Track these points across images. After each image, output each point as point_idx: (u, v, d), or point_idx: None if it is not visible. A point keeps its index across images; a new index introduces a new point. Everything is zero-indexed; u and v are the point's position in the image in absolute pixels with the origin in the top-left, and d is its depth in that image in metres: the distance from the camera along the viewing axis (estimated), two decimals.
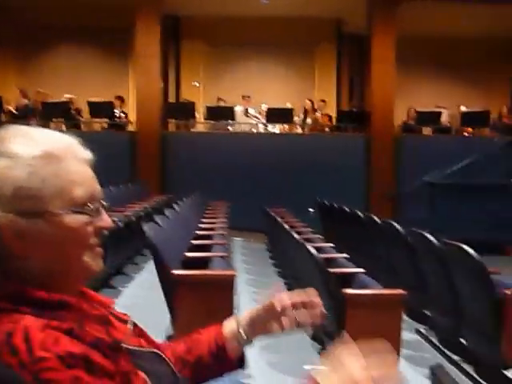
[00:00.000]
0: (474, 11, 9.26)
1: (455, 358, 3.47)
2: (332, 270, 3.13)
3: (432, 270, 3.70)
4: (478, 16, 9.38)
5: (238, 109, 9.38)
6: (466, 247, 3.13)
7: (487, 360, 3.23)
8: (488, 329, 3.05)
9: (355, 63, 10.71)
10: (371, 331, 2.84)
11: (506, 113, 9.88)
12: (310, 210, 7.49)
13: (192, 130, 9.67)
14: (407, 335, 3.91)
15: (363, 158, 8.71)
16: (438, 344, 3.75)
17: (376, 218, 4.93)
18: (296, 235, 3.56)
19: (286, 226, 4.29)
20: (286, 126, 9.45)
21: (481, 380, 3.15)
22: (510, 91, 10.86)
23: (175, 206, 5.33)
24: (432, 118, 9.14)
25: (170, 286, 2.97)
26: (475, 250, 3.15)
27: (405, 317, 4.22)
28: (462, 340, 3.53)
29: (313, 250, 2.87)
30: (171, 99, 10.45)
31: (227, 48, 10.75)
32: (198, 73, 10.85)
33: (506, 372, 3.16)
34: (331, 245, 4.30)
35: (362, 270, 3.42)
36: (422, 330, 4.03)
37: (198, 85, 10.53)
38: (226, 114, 9.10)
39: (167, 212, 4.65)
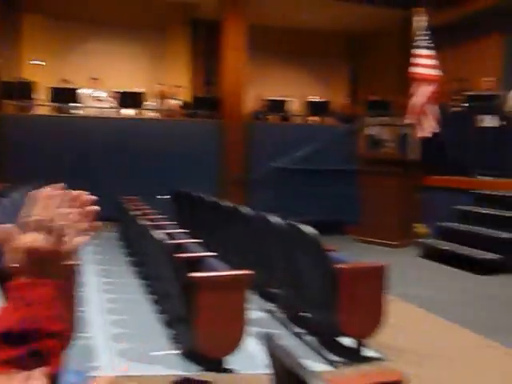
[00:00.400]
0: (321, 4, 9.84)
1: (301, 331, 3.72)
2: (180, 255, 3.12)
3: (276, 251, 3.91)
4: (324, 9, 9.99)
5: (86, 91, 8.82)
6: (304, 227, 3.36)
7: (327, 330, 3.52)
8: (326, 301, 3.31)
9: (209, 49, 10.75)
10: (220, 311, 2.91)
11: (345, 103, 10.80)
12: (160, 196, 7.40)
13: (35, 112, 8.85)
14: (257, 314, 4.09)
15: (216, 144, 8.82)
16: (285, 319, 3.98)
17: (225, 203, 5.05)
18: (143, 222, 3.48)
19: (133, 213, 4.18)
20: (140, 111, 9.15)
21: (322, 349, 3.42)
22: (349, 83, 11.89)
23: (11, 195, 4.85)
24: (280, 106, 9.60)
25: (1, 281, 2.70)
26: (318, 231, 3.39)
27: (256, 296, 4.42)
28: (305, 314, 3.80)
29: (159, 236, 2.83)
30: (10, 78, 9.41)
31: (75, 25, 9.99)
32: (42, 50, 9.93)
33: (343, 339, 3.48)
34: (183, 230, 4.29)
35: (212, 253, 3.47)
36: (271, 308, 4.23)
37: (41, 63, 9.65)
38: (72, 96, 8.49)
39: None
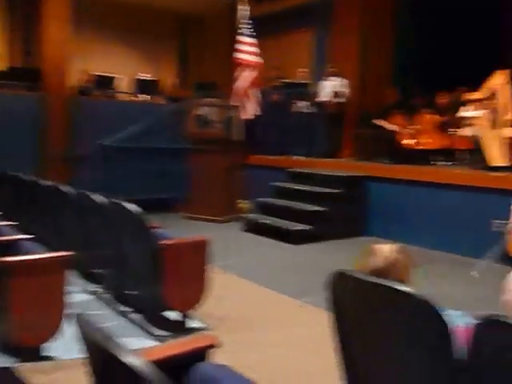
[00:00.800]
0: None
1: (127, 309, 3.71)
2: None
3: (101, 230, 3.83)
4: None
5: None
6: (127, 205, 3.35)
7: (153, 306, 3.58)
8: (150, 278, 3.37)
9: (29, 16, 9.76)
10: (36, 297, 2.77)
11: (174, 83, 10.86)
12: None
13: None
14: (82, 296, 3.97)
15: (35, 119, 8.11)
16: (111, 300, 3.92)
17: (45, 182, 4.75)
18: None
19: None
20: None
21: (148, 326, 3.48)
22: (179, 63, 11.90)
23: None
24: (108, 82, 9.22)
25: None
26: (147, 209, 3.40)
27: (80, 278, 4.28)
28: (131, 292, 3.80)
29: None
30: None
31: None
32: None
33: (168, 313, 3.58)
34: None
35: (27, 236, 3.25)
36: (96, 289, 4.13)
37: None
38: None
39: None
